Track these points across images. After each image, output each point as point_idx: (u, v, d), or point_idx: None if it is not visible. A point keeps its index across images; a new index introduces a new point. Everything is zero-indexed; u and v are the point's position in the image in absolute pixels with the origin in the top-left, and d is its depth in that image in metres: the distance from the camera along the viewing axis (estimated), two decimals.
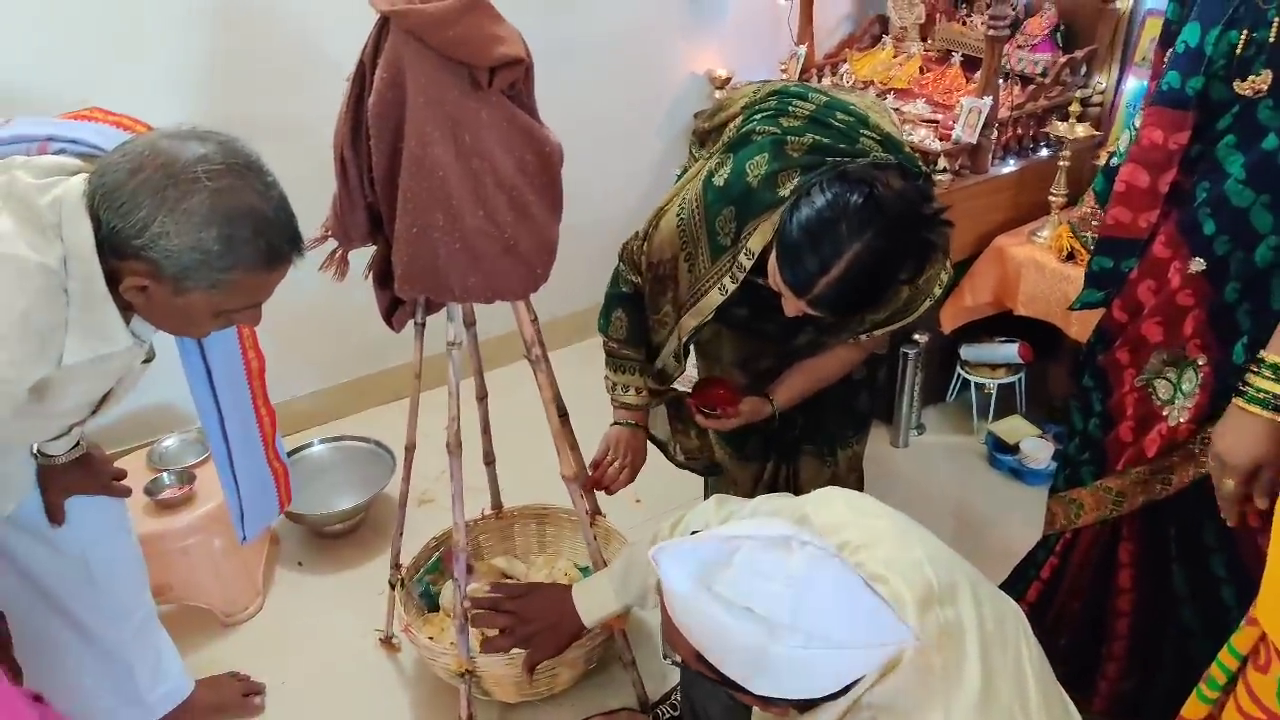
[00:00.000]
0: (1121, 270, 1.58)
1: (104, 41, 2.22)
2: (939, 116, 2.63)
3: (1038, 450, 2.59)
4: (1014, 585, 1.89)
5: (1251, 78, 1.37)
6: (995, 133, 2.53)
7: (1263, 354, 1.28)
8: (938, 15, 2.93)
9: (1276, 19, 1.33)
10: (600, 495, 2.10)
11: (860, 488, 2.11)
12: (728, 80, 3.04)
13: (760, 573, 1.07)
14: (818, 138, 1.56)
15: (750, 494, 1.94)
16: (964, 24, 2.86)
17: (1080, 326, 2.25)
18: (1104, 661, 1.77)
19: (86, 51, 2.20)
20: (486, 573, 2.18)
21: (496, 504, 2.27)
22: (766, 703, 1.14)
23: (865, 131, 1.60)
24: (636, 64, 3.01)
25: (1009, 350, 2.67)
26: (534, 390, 1.80)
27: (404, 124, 1.47)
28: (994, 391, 2.74)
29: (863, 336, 1.73)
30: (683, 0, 3.02)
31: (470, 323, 1.87)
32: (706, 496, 2.22)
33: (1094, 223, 1.72)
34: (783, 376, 1.82)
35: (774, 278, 1.50)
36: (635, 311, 1.83)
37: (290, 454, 2.50)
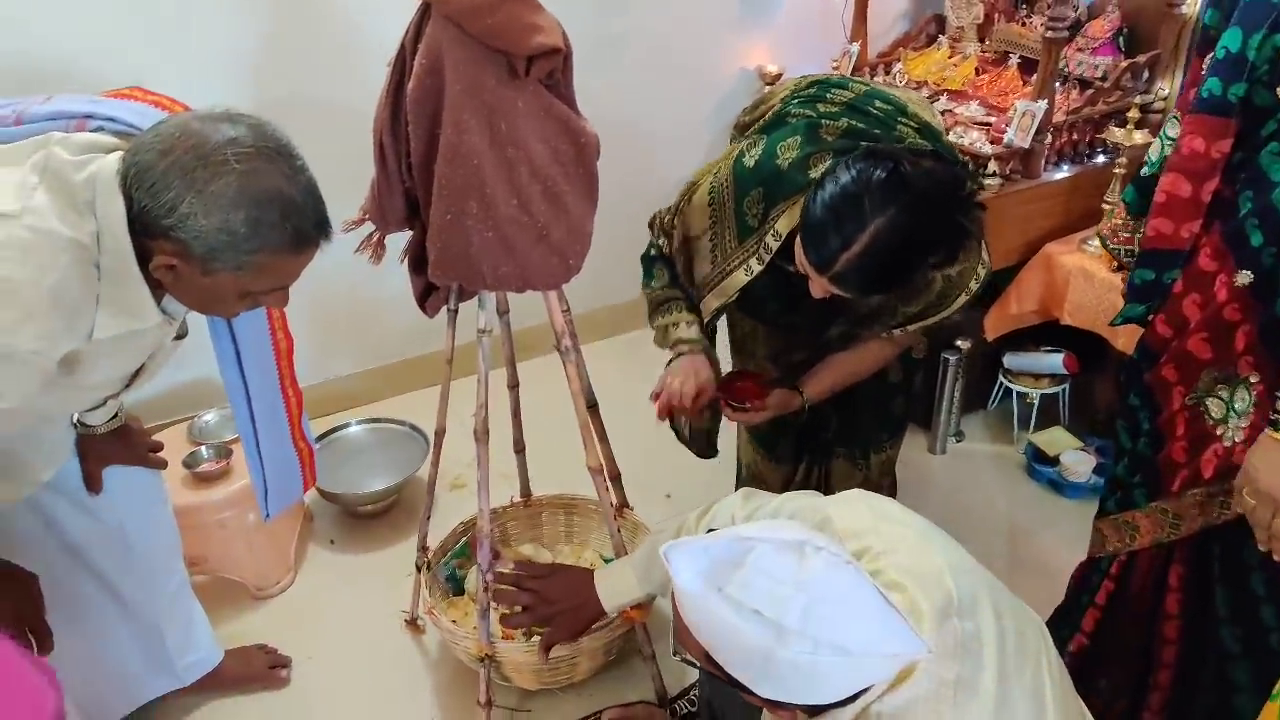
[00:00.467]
0: (1164, 282, 1.53)
1: (152, 23, 2.26)
2: (992, 119, 2.58)
3: (1078, 463, 2.53)
4: (1069, 614, 1.82)
5: None
6: (1049, 137, 2.47)
7: None
8: (996, 15, 2.87)
9: None
10: (629, 487, 2.10)
11: (893, 494, 2.08)
12: (778, 76, 3.01)
13: (772, 576, 1.06)
14: (853, 123, 1.54)
15: None
16: (1023, 25, 2.80)
17: (1127, 339, 2.19)
18: (1149, 692, 1.71)
19: (135, 32, 2.25)
20: (513, 559, 2.19)
21: (525, 492, 2.28)
22: (774, 705, 1.13)
23: (903, 120, 1.58)
24: (686, 59, 3.00)
25: (1054, 360, 2.61)
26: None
27: (441, 110, 1.47)
28: (1036, 402, 2.68)
29: (896, 331, 1.69)
30: None
31: (503, 311, 1.87)
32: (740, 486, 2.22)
33: (1124, 234, 1.67)
34: (814, 369, 1.79)
35: (800, 259, 1.47)
36: (672, 266, 1.81)
37: (327, 434, 2.57)
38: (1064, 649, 1.74)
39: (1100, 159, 2.59)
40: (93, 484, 1.63)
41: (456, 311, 1.82)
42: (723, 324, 1.90)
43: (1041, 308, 2.51)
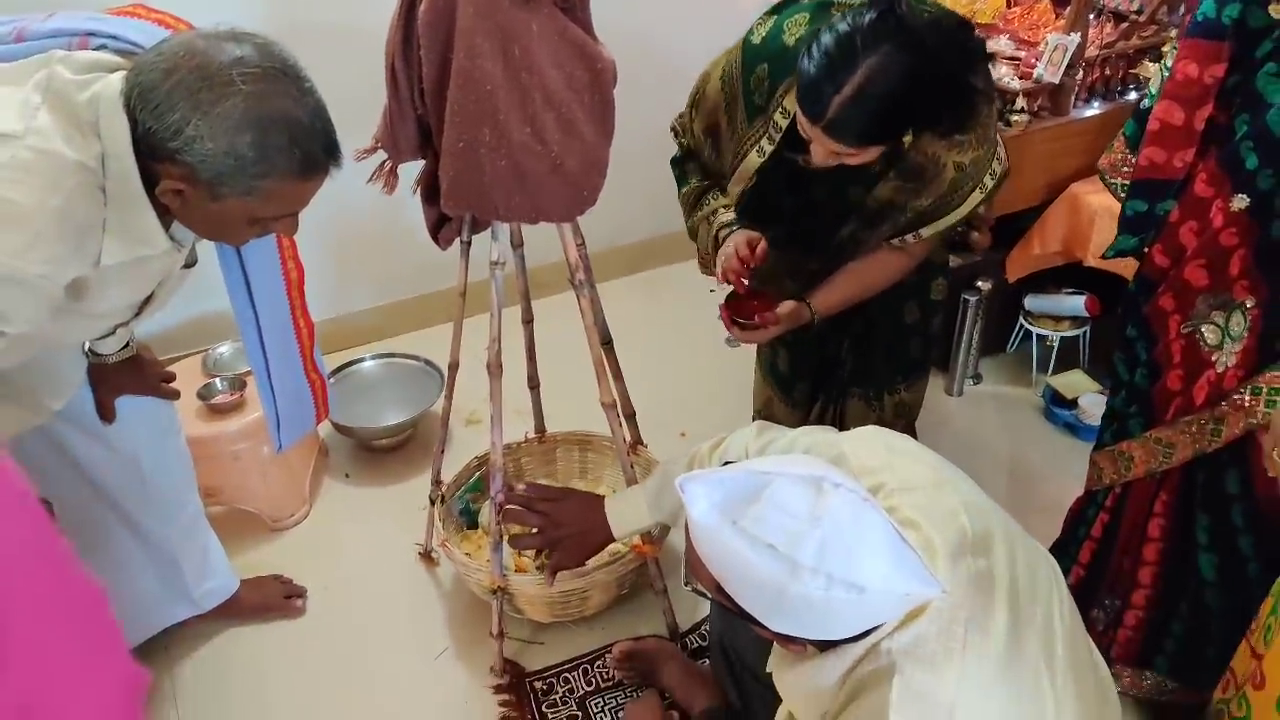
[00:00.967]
0: (1156, 213, 1.52)
1: None
2: (1022, 54, 2.50)
3: (1096, 406, 2.50)
4: (1066, 547, 1.85)
5: None
6: (1080, 73, 2.40)
7: None
8: None
9: None
10: (643, 425, 2.09)
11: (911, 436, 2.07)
12: None
13: (787, 511, 1.05)
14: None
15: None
16: None
17: None
18: (1123, 610, 1.74)
19: None
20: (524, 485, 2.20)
21: (540, 428, 2.28)
22: (785, 639, 1.12)
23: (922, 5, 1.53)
24: None
25: (1075, 302, 2.57)
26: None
27: (454, 34, 1.44)
28: (1056, 344, 2.64)
29: (909, 238, 1.66)
30: None
31: (517, 244, 1.85)
32: None
33: (1124, 169, 1.64)
34: (825, 281, 1.74)
35: (800, 121, 1.44)
36: (698, 159, 1.80)
37: (341, 369, 2.57)
38: None
39: (1132, 95, 2.51)
40: (105, 413, 1.63)
41: (470, 244, 1.79)
42: None
43: (1065, 249, 2.46)
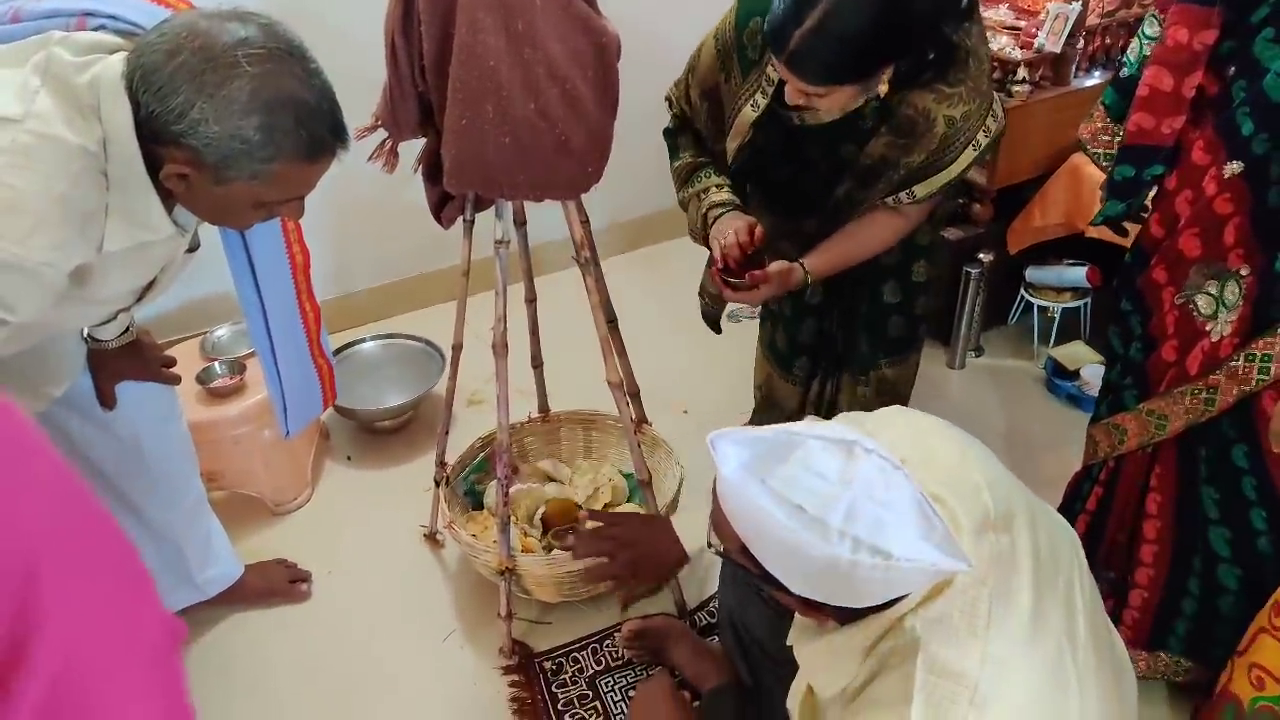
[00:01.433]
0: (1144, 179, 1.51)
1: None
2: (1022, 23, 2.48)
3: (1098, 377, 2.48)
4: None
5: None
6: (1081, 42, 2.38)
7: None
8: None
9: None
10: (647, 403, 2.08)
11: None
12: None
13: (818, 472, 1.03)
14: None
15: (796, 416, 1.90)
16: None
17: None
18: (1130, 589, 1.74)
19: None
20: (531, 474, 2.19)
21: (544, 407, 2.26)
22: (807, 606, 1.11)
23: None
24: None
25: (1076, 273, 2.57)
26: (586, 296, 1.77)
27: (455, 8, 1.41)
28: (1057, 316, 2.64)
29: (903, 198, 1.64)
30: None
31: (520, 222, 1.83)
32: (755, 416, 2.20)
33: (1104, 138, 1.63)
34: (820, 244, 1.72)
35: (773, 63, 1.46)
36: (696, 133, 1.80)
37: (342, 350, 2.55)
38: None
39: None
40: (106, 400, 1.61)
41: (473, 222, 1.77)
42: None
43: (1066, 220, 2.45)
